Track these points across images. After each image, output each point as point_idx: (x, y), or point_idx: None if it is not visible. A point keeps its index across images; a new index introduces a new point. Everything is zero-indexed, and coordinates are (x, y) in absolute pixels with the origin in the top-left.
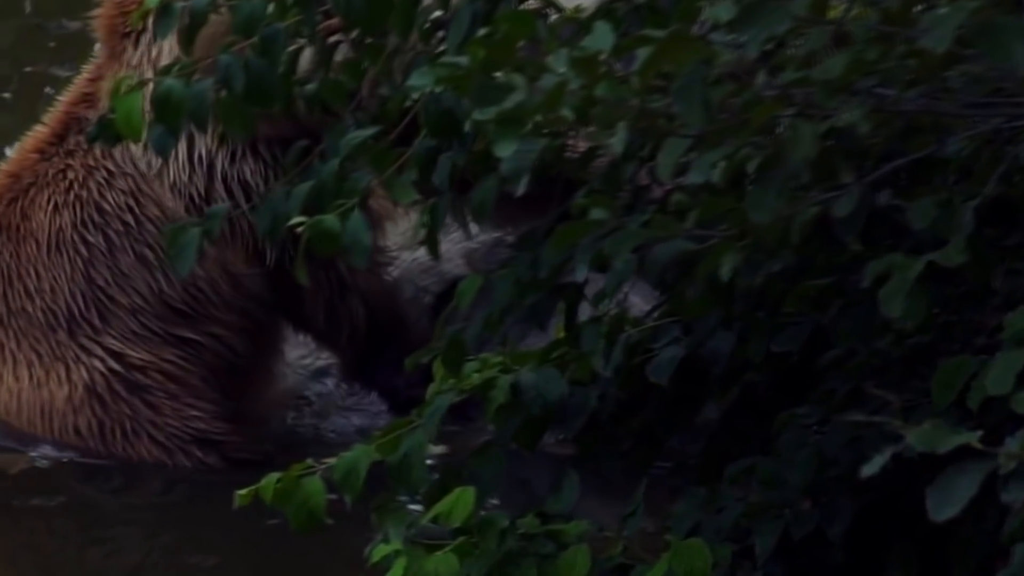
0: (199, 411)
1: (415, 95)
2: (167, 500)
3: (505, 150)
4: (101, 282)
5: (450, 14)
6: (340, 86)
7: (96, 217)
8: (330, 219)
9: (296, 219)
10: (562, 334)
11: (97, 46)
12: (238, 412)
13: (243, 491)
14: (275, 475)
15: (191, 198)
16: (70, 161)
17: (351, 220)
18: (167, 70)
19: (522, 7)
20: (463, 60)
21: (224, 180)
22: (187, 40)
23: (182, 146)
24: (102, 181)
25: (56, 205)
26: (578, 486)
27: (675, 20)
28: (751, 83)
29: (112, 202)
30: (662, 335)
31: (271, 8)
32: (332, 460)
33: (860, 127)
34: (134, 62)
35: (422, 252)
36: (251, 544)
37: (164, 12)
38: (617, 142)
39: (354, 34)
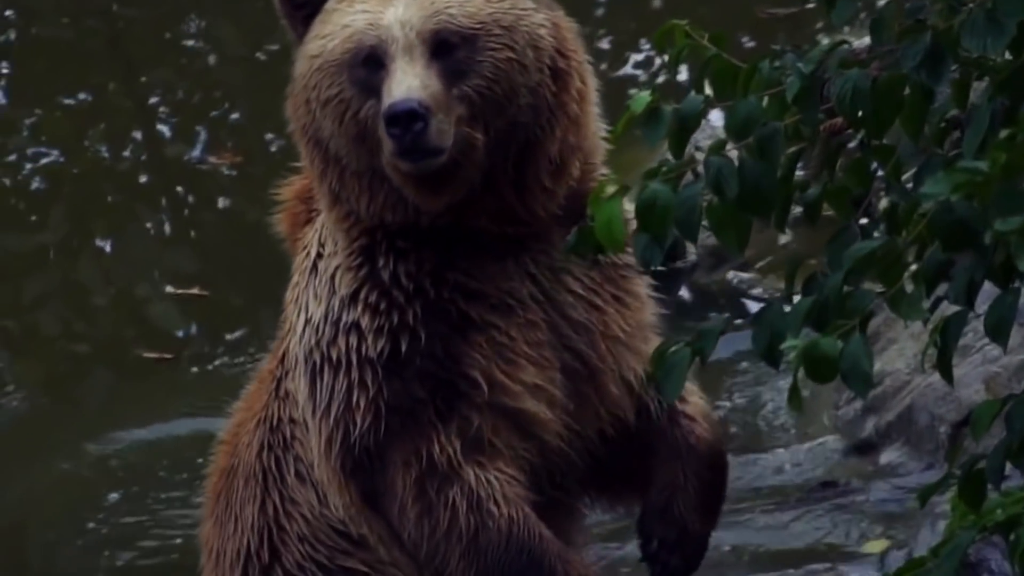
0: None
1: (927, 203)
2: None
3: None
4: (271, 511)
5: (967, 113)
6: (844, 191)
7: (270, 437)
8: (828, 341)
9: (789, 343)
10: None
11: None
12: None
13: None
14: None
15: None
16: (263, 389)
17: (851, 343)
18: (651, 173)
19: None
20: (982, 165)
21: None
22: (677, 144)
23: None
24: (272, 392)
25: (250, 440)
26: None
27: None
28: None
29: (275, 413)
30: None
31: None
32: None
33: None
34: (309, 238)
35: (936, 377)
36: None
37: (652, 116)
38: None
39: (860, 135)
